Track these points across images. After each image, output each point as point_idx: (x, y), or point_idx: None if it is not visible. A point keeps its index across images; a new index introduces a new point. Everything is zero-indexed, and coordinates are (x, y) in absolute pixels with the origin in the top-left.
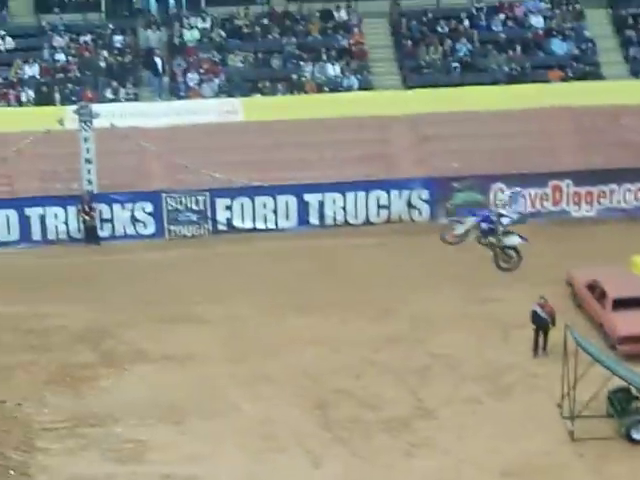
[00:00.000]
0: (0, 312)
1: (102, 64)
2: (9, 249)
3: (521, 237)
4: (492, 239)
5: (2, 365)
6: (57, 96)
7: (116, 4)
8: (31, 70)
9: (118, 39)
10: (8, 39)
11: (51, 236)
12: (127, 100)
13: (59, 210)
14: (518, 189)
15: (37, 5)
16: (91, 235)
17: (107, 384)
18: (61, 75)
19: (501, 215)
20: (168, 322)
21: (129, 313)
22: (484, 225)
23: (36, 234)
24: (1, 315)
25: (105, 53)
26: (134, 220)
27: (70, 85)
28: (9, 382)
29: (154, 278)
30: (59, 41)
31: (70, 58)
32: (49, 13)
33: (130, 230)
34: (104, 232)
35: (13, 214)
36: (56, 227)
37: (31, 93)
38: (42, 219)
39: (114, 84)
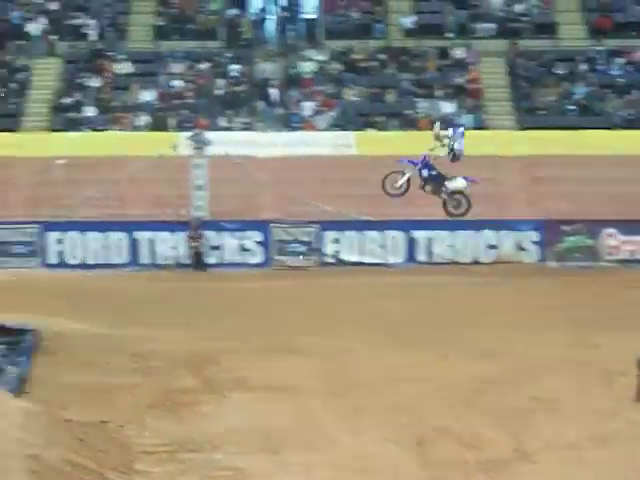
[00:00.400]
0: (106, 334)
1: (218, 92)
2: (118, 271)
3: (466, 178)
4: (436, 186)
5: (106, 386)
6: (172, 122)
7: (234, 33)
8: (147, 95)
9: (235, 68)
10: (127, 64)
11: (159, 260)
12: (241, 129)
13: (168, 235)
14: (460, 128)
15: (157, 32)
16: (199, 261)
17: (208, 410)
18: (177, 101)
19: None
20: (270, 352)
21: (232, 341)
22: (425, 172)
23: (145, 258)
24: (107, 337)
25: (221, 81)
26: (242, 249)
27: (185, 112)
28: (112, 403)
29: (259, 307)
30: (176, 68)
31: (186, 85)
32: (168, 40)
33: (238, 258)
34: (212, 259)
35: (124, 237)
36: (165, 252)
37: (146, 118)
38: (151, 243)
39: (229, 112)
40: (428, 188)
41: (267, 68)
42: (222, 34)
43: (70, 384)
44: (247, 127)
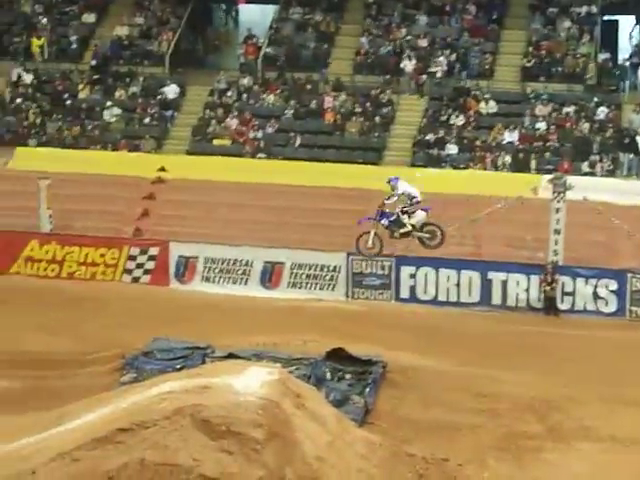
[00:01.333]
0: (453, 372)
1: (581, 136)
2: (468, 310)
3: (424, 210)
4: (402, 229)
5: (449, 424)
6: (533, 164)
7: (603, 78)
8: (510, 136)
9: (601, 113)
10: (492, 103)
11: (510, 302)
12: (603, 175)
13: (521, 277)
14: (393, 177)
15: (524, 73)
16: (550, 306)
17: (551, 458)
18: (539, 144)
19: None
20: (618, 403)
21: (579, 389)
22: (385, 222)
23: (496, 298)
24: (454, 375)
25: (586, 126)
26: (596, 296)
27: (547, 154)
28: (453, 442)
29: (609, 357)
30: (541, 110)
31: (550, 127)
32: (534, 81)
33: (590, 306)
34: (564, 305)
35: (476, 276)
36: (517, 294)
37: (508, 159)
38: (504, 284)
39: (592, 158)
40: (397, 235)
41: (635, 115)
42: (590, 78)
43: (413, 418)
44: (609, 173)
